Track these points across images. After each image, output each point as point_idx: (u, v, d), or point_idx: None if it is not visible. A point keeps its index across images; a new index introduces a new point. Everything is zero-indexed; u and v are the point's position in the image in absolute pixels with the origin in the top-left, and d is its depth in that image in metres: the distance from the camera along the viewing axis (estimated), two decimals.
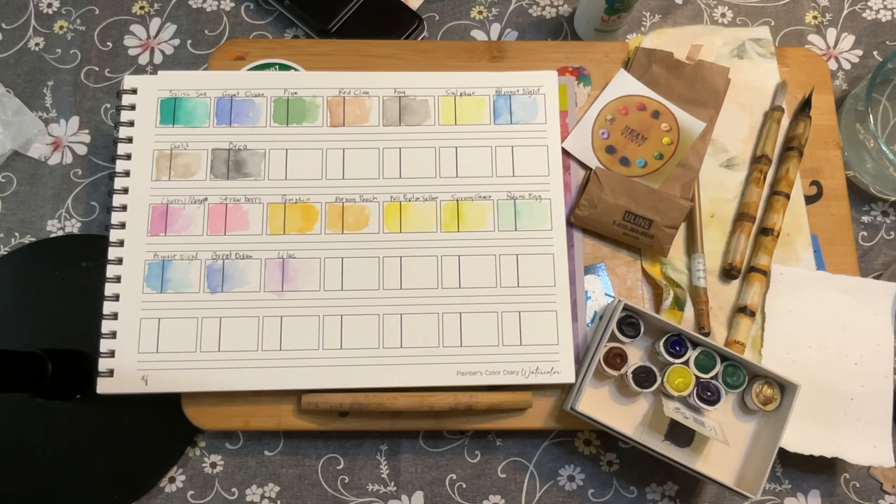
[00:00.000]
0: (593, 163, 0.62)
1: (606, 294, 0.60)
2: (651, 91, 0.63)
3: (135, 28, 0.71)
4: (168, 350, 0.56)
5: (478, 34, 0.71)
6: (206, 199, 0.59)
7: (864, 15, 0.72)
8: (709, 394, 0.55)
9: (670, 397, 0.56)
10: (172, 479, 0.61)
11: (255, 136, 0.61)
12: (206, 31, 0.71)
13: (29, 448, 0.59)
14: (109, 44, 0.70)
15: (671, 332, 0.56)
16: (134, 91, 0.62)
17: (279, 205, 0.60)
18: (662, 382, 0.56)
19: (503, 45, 0.66)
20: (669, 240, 0.60)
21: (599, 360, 0.56)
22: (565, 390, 0.58)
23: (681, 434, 0.56)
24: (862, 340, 0.58)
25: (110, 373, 0.56)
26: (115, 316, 0.57)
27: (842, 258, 0.61)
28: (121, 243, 0.58)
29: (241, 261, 0.58)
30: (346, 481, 0.61)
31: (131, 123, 0.61)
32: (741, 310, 0.59)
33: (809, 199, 0.63)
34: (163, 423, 0.60)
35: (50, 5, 0.71)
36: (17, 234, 0.66)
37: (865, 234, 0.66)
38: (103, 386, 0.56)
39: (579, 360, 0.57)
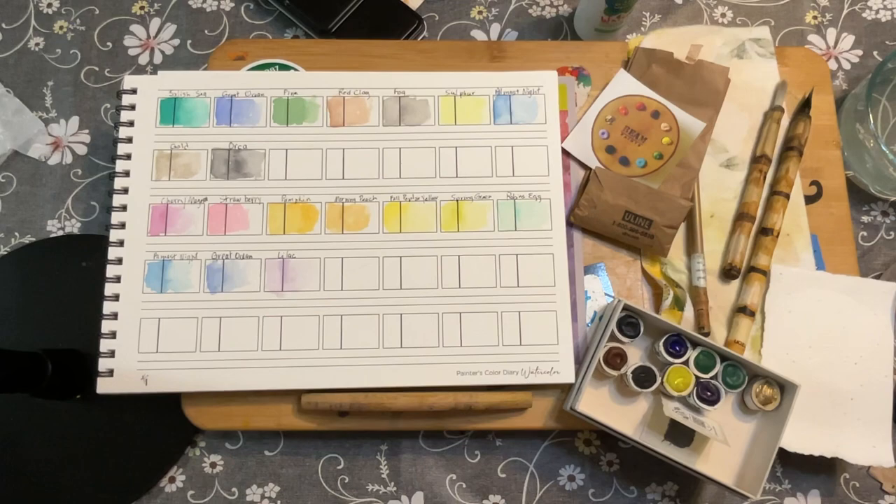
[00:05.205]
0: (593, 163, 0.62)
1: (606, 294, 0.60)
2: (651, 91, 0.63)
3: (135, 28, 0.71)
4: (168, 350, 0.56)
5: (478, 34, 0.71)
6: (206, 199, 0.59)
7: (864, 15, 0.72)
8: (709, 394, 0.55)
9: (670, 397, 0.56)
10: (172, 479, 0.61)
11: (255, 136, 0.61)
12: (206, 31, 0.71)
13: (29, 448, 0.59)
14: (109, 44, 0.70)
15: (671, 332, 0.56)
16: (134, 91, 0.62)
17: (279, 205, 0.60)
18: (662, 382, 0.56)
19: (503, 45, 0.66)
20: (669, 240, 0.60)
21: (599, 360, 0.56)
22: (565, 390, 0.58)
23: (681, 434, 0.56)
24: (862, 340, 0.58)
25: (110, 373, 0.56)
26: (114, 316, 0.57)
27: (842, 258, 0.61)
28: (121, 243, 0.58)
29: (241, 261, 0.58)
30: (346, 481, 0.61)
31: (131, 123, 0.61)
32: (741, 310, 0.59)
33: (809, 199, 0.63)
34: (163, 423, 0.60)
35: (50, 5, 0.71)
36: (17, 234, 0.66)
37: (865, 234, 0.66)
38: (103, 386, 0.56)
39: (579, 360, 0.57)
